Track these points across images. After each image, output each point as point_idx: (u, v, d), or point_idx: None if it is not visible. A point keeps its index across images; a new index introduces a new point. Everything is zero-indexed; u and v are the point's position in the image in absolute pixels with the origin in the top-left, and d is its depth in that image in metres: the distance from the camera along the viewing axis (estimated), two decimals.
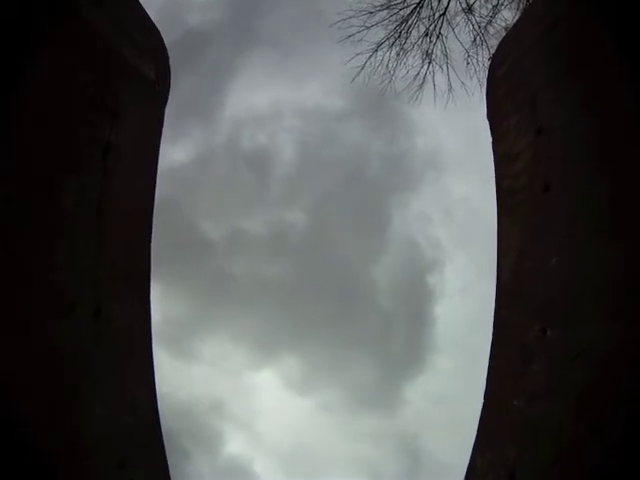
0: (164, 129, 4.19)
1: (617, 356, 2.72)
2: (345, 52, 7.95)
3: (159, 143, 3.99)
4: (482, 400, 4.12)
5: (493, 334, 3.77)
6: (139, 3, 4.17)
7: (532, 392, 3.39)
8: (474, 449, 4.05)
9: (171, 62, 4.36)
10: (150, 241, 3.88)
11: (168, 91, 4.20)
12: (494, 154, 3.93)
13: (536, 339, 3.38)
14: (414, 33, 7.67)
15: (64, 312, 3.07)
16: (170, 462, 4.59)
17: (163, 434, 4.27)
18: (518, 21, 4.39)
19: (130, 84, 3.68)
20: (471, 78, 7.54)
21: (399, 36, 7.65)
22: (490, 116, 4.07)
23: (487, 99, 4.17)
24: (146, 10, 4.08)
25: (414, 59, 7.84)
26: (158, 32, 4.31)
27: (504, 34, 4.77)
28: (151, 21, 4.30)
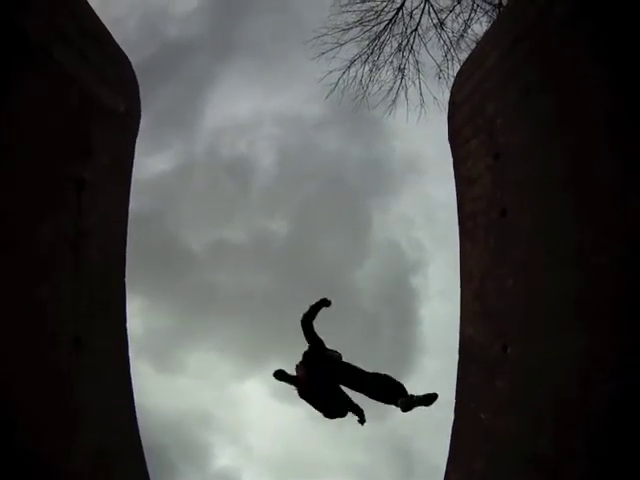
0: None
1: (572, 371, 2.86)
2: (321, 65, 8.09)
3: (131, 174, 4.09)
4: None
5: (459, 351, 3.91)
6: (110, 36, 4.26)
7: (496, 406, 3.53)
8: (448, 461, 4.19)
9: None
10: (124, 271, 3.97)
11: (138, 122, 4.29)
12: (455, 177, 4.07)
13: (498, 356, 3.53)
14: (387, 49, 7.84)
15: (47, 344, 3.16)
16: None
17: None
18: (479, 43, 4.54)
19: (101, 120, 3.76)
20: (443, 93, 7.70)
21: (372, 52, 7.81)
22: (451, 139, 4.20)
23: (448, 122, 4.30)
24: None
25: (387, 74, 8.00)
26: (129, 64, 4.40)
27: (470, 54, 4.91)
28: (122, 53, 4.38)
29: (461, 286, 3.85)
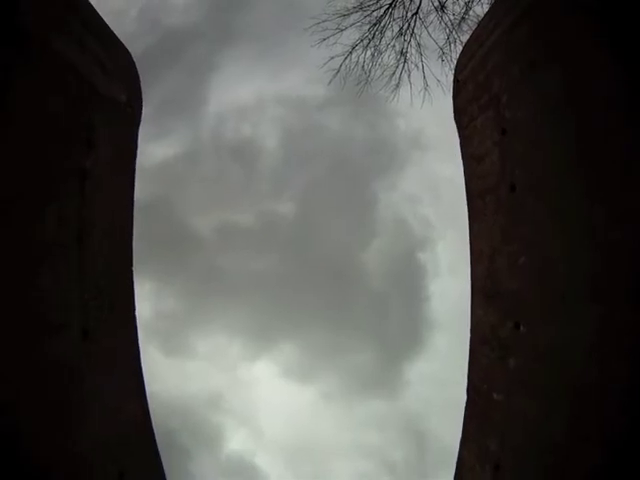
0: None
1: (587, 349, 2.82)
2: (322, 51, 8.05)
3: (134, 164, 4.07)
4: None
5: (471, 330, 3.88)
6: (107, 26, 4.23)
7: (509, 386, 3.50)
8: (461, 442, 4.17)
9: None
10: (132, 260, 3.96)
11: (140, 111, 4.27)
12: (462, 155, 4.01)
13: (510, 335, 3.49)
14: (388, 33, 7.76)
15: (52, 335, 3.16)
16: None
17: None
18: (482, 20, 4.45)
19: (102, 110, 3.74)
20: (446, 75, 7.63)
21: (373, 37, 7.73)
22: (457, 118, 4.15)
23: (453, 101, 4.24)
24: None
25: (389, 59, 7.94)
26: (127, 53, 4.37)
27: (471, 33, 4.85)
28: (120, 42, 4.35)
29: (471, 264, 3.81)
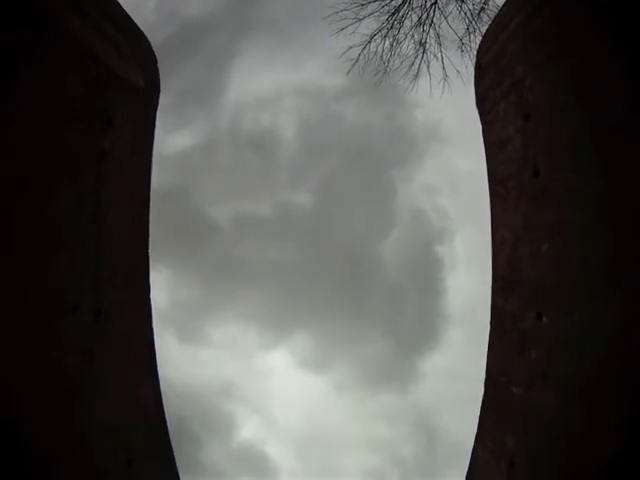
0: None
1: (612, 341, 2.71)
2: (340, 41, 8.01)
3: (152, 147, 4.06)
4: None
5: (491, 322, 3.77)
6: (124, 11, 4.23)
7: (530, 379, 3.39)
8: (476, 438, 4.06)
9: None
10: (148, 243, 3.95)
11: (158, 94, 4.26)
12: (484, 142, 3.92)
13: (532, 326, 3.38)
14: (407, 23, 7.68)
15: (65, 315, 3.15)
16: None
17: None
18: (504, 6, 4.35)
19: (120, 93, 3.74)
20: (466, 66, 7.52)
21: (392, 27, 7.66)
22: (479, 104, 4.06)
23: (475, 87, 4.15)
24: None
25: (408, 49, 7.87)
26: (145, 38, 4.37)
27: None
28: (137, 27, 4.35)
29: (492, 252, 3.71)
